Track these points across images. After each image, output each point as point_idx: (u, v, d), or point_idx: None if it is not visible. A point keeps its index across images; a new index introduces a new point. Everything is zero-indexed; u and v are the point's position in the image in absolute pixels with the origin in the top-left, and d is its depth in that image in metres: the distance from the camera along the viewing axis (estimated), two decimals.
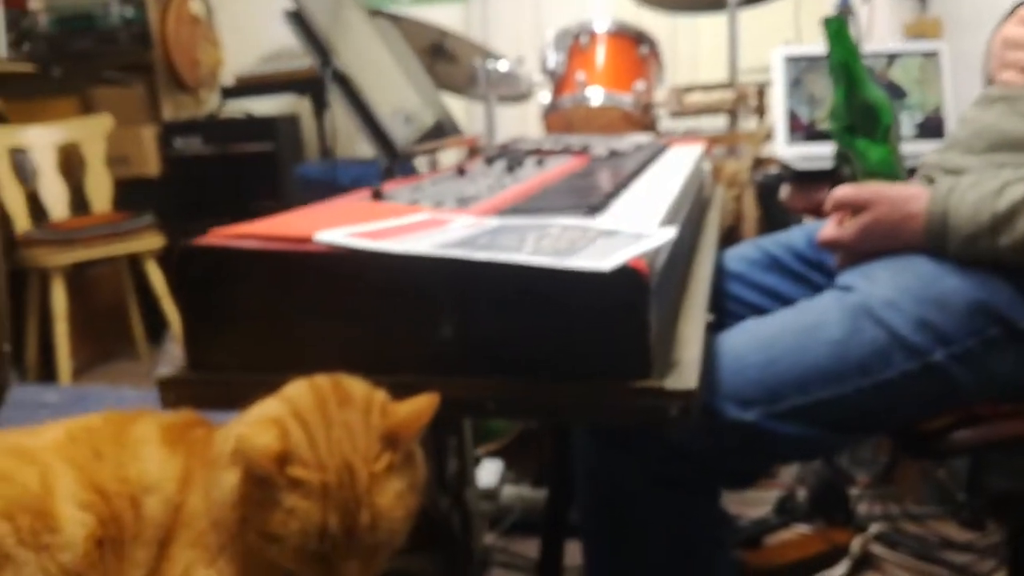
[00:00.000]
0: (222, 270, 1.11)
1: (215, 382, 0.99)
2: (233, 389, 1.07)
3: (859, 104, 1.47)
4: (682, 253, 1.44)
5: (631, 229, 1.14)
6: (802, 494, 2.52)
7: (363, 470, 0.92)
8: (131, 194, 4.09)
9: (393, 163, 1.68)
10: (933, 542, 2.33)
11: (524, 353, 1.08)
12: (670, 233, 1.10)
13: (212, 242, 1.17)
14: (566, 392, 1.04)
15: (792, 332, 1.34)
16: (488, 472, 2.79)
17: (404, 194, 1.51)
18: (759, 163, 2.58)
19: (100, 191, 4.05)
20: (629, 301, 1.02)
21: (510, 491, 2.75)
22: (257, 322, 1.14)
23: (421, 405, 0.95)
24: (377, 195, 1.43)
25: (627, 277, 1.01)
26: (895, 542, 2.34)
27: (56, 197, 3.97)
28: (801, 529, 2.41)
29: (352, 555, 0.93)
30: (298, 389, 0.98)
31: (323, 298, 1.08)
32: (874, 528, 2.34)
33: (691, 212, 1.65)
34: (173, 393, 1.14)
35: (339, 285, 1.08)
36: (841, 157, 1.50)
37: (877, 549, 2.34)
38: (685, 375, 1.07)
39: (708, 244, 1.69)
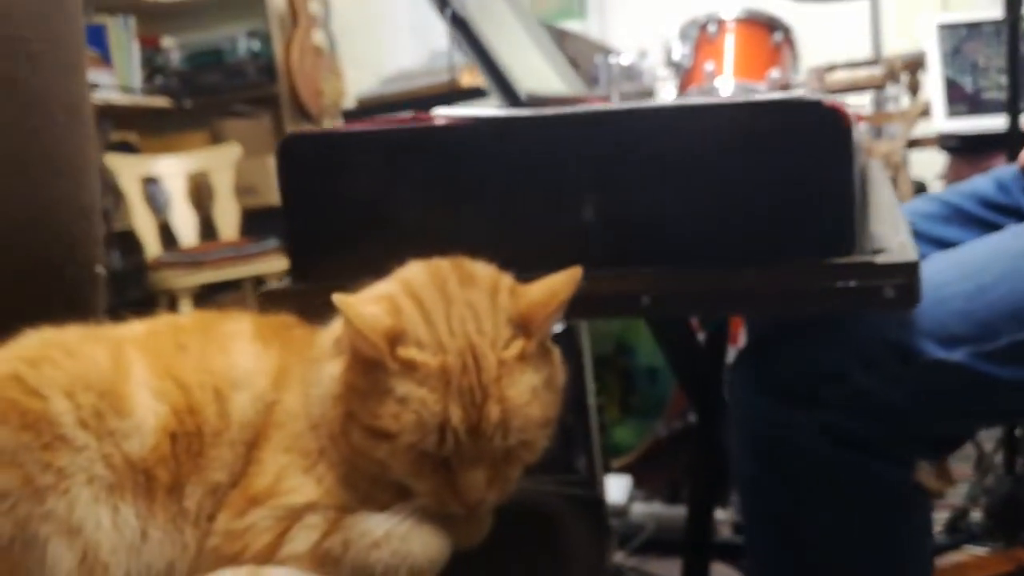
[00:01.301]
0: (330, 157, 0.94)
1: (321, 292, 0.81)
2: None
3: None
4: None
5: None
6: (975, 515, 2.20)
7: (490, 355, 0.73)
8: (258, 223, 4.08)
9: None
10: None
11: (686, 232, 0.87)
12: None
13: (319, 130, 1.00)
14: (749, 277, 0.82)
15: (1007, 256, 1.08)
16: (616, 488, 2.59)
17: None
18: (914, 143, 2.31)
19: (228, 219, 4.05)
20: (827, 148, 0.80)
21: (641, 508, 2.53)
22: (367, 217, 0.97)
23: (557, 283, 0.76)
24: None
25: (824, 117, 0.79)
26: None
27: (186, 225, 3.99)
28: (976, 550, 2.09)
29: (477, 461, 0.73)
30: (412, 268, 0.80)
31: (443, 182, 0.91)
32: None
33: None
34: (275, 309, 0.98)
35: (462, 164, 0.90)
36: None
37: None
38: (898, 253, 0.83)
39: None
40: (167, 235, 3.95)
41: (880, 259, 0.76)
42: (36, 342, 0.78)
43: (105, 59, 4.00)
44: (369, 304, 0.76)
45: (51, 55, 0.98)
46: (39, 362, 0.75)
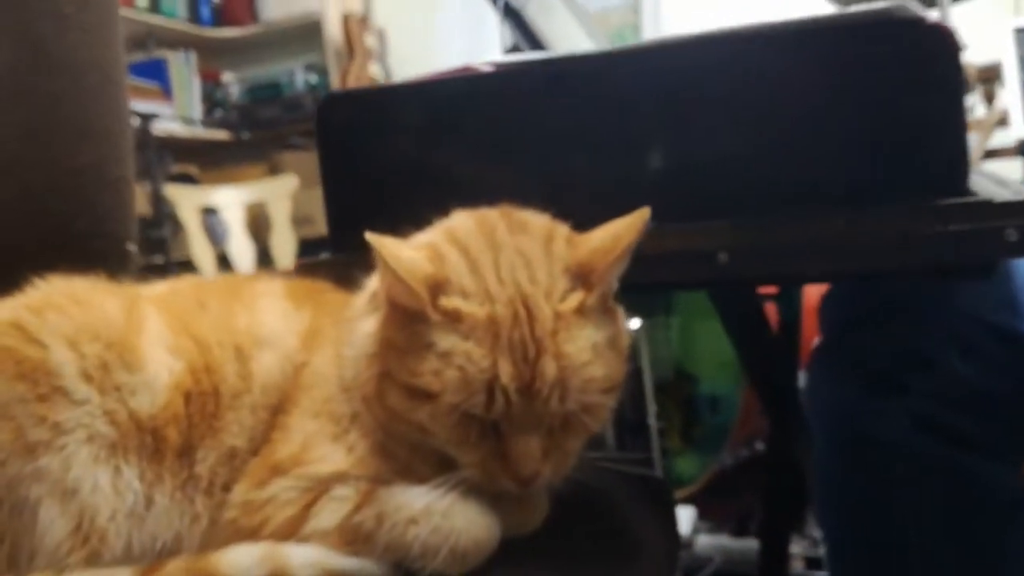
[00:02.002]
0: (372, 115, 0.86)
1: (361, 263, 0.72)
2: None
3: None
4: None
5: None
6: None
7: (544, 306, 0.64)
8: (313, 252, 4.03)
9: None
10: None
11: (767, 177, 0.77)
12: None
13: (360, 88, 0.92)
14: (843, 225, 0.71)
15: None
16: (680, 520, 2.45)
17: None
18: (991, 153, 2.18)
19: (284, 249, 4.04)
20: (933, 72, 0.69)
21: (706, 541, 2.39)
22: (412, 179, 0.88)
23: (620, 228, 0.67)
24: None
25: (927, 35, 0.69)
26: None
27: (243, 255, 3.98)
28: None
29: (531, 427, 0.63)
30: (456, 217, 0.71)
31: (495, 135, 0.82)
32: None
33: None
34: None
35: (515, 113, 0.81)
36: None
37: None
38: (1018, 192, 0.71)
39: None
40: (225, 265, 3.95)
41: (1000, 197, 0.65)
42: (45, 290, 0.70)
43: (166, 92, 4.04)
44: (409, 249, 0.67)
45: (81, 17, 0.92)
46: (43, 309, 0.67)
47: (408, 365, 0.64)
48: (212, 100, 4.29)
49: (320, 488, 0.66)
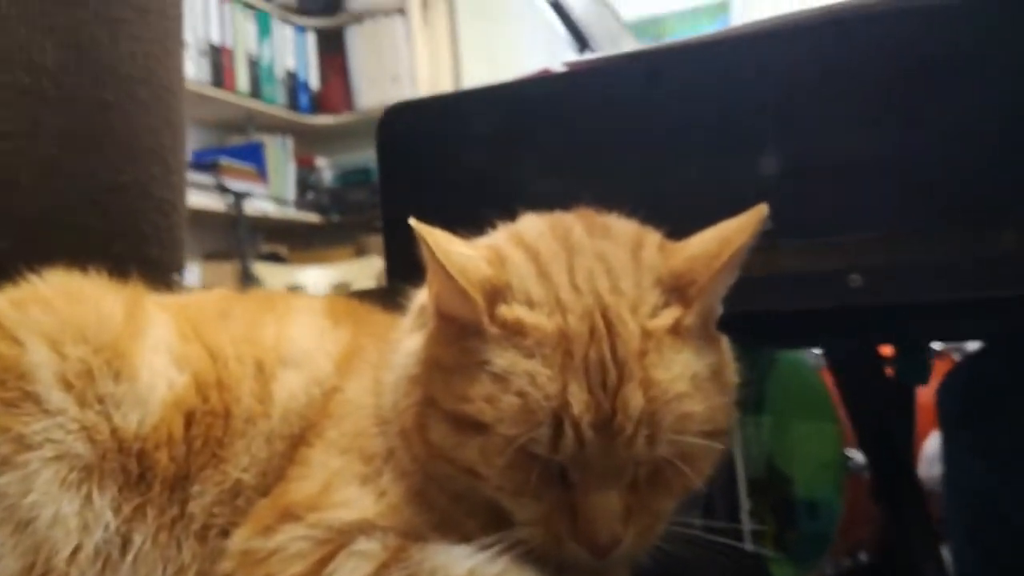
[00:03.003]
0: (439, 124, 0.76)
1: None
2: None
3: None
4: None
5: None
6: None
7: (631, 322, 0.50)
8: None
9: None
10: None
11: (911, 183, 0.63)
12: None
13: (425, 96, 0.83)
14: (1011, 240, 0.57)
15: None
16: None
17: None
18: None
19: None
20: None
21: None
22: (481, 194, 0.76)
23: (729, 230, 0.53)
24: None
25: None
26: None
27: None
28: None
29: (610, 477, 0.49)
30: (525, 219, 0.59)
31: (576, 140, 0.70)
32: None
33: None
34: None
35: (601, 115, 0.69)
36: None
37: None
38: None
39: None
40: None
41: None
42: (37, 283, 0.60)
43: (262, 174, 4.09)
44: (464, 246, 0.54)
45: (138, 26, 0.85)
46: (27, 303, 0.56)
47: (456, 389, 0.51)
48: (305, 183, 4.33)
49: (339, 540, 0.51)
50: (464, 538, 0.51)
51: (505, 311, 0.51)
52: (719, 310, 0.57)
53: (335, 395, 0.58)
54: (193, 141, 3.86)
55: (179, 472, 0.54)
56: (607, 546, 0.50)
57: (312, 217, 4.31)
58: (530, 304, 0.52)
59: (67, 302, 0.57)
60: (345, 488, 0.53)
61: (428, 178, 0.78)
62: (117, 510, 0.52)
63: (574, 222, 0.58)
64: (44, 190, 0.80)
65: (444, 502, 0.53)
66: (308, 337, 0.61)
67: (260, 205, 3.99)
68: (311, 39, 4.35)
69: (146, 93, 0.87)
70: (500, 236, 0.58)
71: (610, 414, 0.49)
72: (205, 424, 0.56)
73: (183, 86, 0.94)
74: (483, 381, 0.50)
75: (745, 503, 1.96)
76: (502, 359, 0.50)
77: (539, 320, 0.51)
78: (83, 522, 0.50)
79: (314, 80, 4.37)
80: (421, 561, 0.50)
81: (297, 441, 0.57)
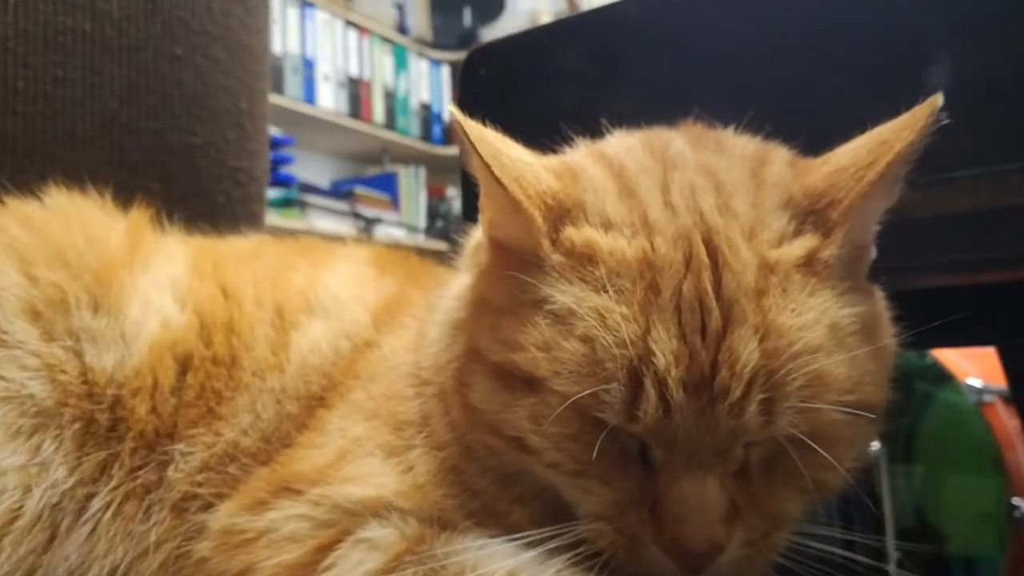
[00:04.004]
0: (525, 62, 0.64)
1: None
2: None
3: None
4: None
5: None
6: None
7: (744, 249, 0.36)
8: None
9: None
10: None
11: None
12: None
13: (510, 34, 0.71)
14: None
15: None
16: None
17: None
18: None
19: None
20: None
21: None
22: (568, 130, 0.64)
23: (883, 135, 0.38)
24: None
25: None
26: None
27: None
28: None
29: (706, 457, 0.35)
30: (614, 136, 0.46)
31: (674, 61, 0.57)
32: None
33: None
34: None
35: (716, 39, 0.56)
36: None
37: None
38: None
39: None
40: None
41: None
42: (31, 202, 0.51)
43: (394, 203, 4.12)
44: (526, 153, 0.42)
45: None
46: (9, 221, 0.47)
47: (505, 334, 0.38)
48: (435, 212, 4.33)
49: (346, 523, 0.39)
50: (509, 532, 0.38)
51: (572, 234, 0.39)
52: (872, 250, 0.42)
53: (368, 351, 0.47)
54: (331, 171, 3.92)
55: (161, 428, 0.44)
56: (701, 555, 0.36)
57: (440, 245, 4.31)
58: (607, 226, 0.39)
59: (57, 223, 0.48)
60: (364, 460, 0.41)
61: (517, 126, 0.66)
62: (74, 468, 0.41)
63: (676, 136, 0.45)
64: (102, 144, 0.73)
65: (486, 484, 0.40)
66: (344, 285, 0.50)
67: (391, 232, 4.01)
68: (445, 72, 4.37)
69: (223, 52, 0.80)
70: (579, 152, 0.45)
71: (710, 370, 0.35)
72: (204, 372, 0.45)
73: (267, 50, 0.86)
74: (539, 324, 0.37)
75: (893, 552, 1.73)
76: (565, 295, 0.37)
77: (616, 244, 0.38)
78: (26, 480, 0.40)
79: (447, 112, 4.41)
80: (447, 556, 0.37)
81: (315, 403, 0.45)
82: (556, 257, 0.38)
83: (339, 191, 3.73)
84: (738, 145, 0.44)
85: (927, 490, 2.14)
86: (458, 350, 0.41)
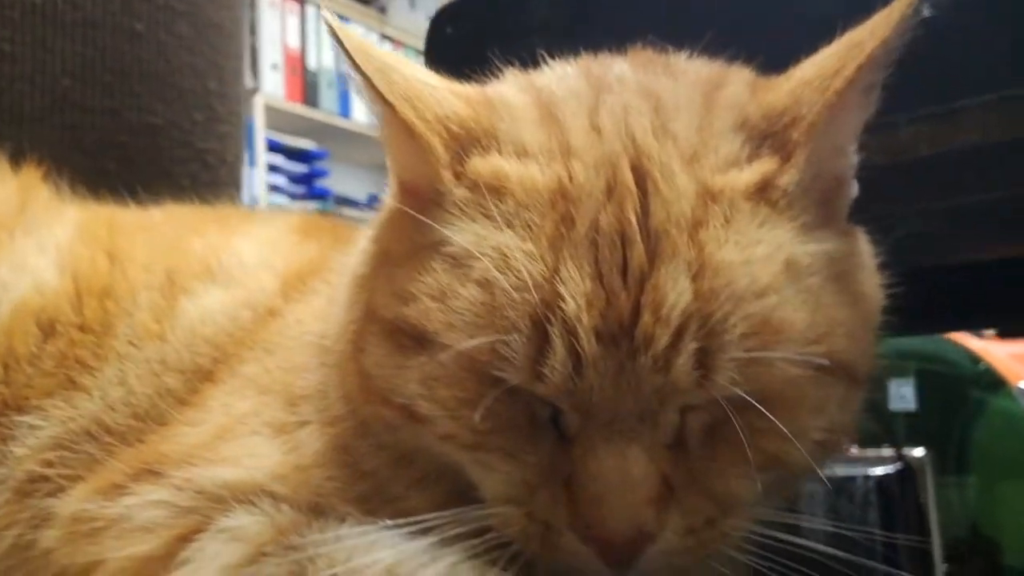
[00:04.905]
0: (489, 22, 0.59)
1: None
2: None
3: None
4: None
5: None
6: None
7: (680, 173, 0.29)
8: None
9: None
10: None
11: None
12: None
13: None
14: None
15: None
16: None
17: None
18: None
19: None
20: None
21: None
22: None
23: (859, 36, 0.31)
24: None
25: None
26: None
27: None
28: None
29: (628, 424, 0.28)
30: (554, 64, 0.40)
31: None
32: None
33: None
34: None
35: None
36: None
37: None
38: None
39: None
40: None
41: None
42: None
43: None
44: (433, 77, 0.36)
45: None
46: None
47: (397, 285, 0.32)
48: None
49: (209, 510, 0.33)
50: (405, 519, 0.32)
51: (479, 164, 0.32)
52: (852, 184, 0.35)
53: (271, 321, 0.41)
54: (368, 183, 3.87)
55: (9, 399, 0.38)
56: (625, 544, 0.28)
57: None
58: (522, 155, 0.33)
59: None
60: (246, 439, 0.35)
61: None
62: None
63: (620, 61, 0.38)
64: (52, 123, 0.68)
65: (379, 465, 0.33)
66: (257, 251, 0.44)
67: None
68: None
69: (188, 28, 0.75)
70: (505, 82, 0.39)
71: (631, 315, 0.28)
72: (67, 339, 0.40)
73: (240, 29, 0.81)
74: (434, 270, 0.31)
75: (940, 565, 1.63)
76: (464, 234, 0.31)
77: (528, 172, 0.31)
78: None
79: None
80: (319, 546, 0.31)
81: (202, 378, 0.39)
82: (459, 192, 0.32)
83: (376, 203, 3.71)
84: (691, 68, 0.37)
85: (981, 501, 2.02)
86: (357, 311, 0.35)
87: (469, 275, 0.30)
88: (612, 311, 0.28)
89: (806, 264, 0.31)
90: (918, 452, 1.69)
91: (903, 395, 1.92)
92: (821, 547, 0.37)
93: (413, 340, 0.31)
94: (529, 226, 0.30)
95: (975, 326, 1.49)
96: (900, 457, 1.44)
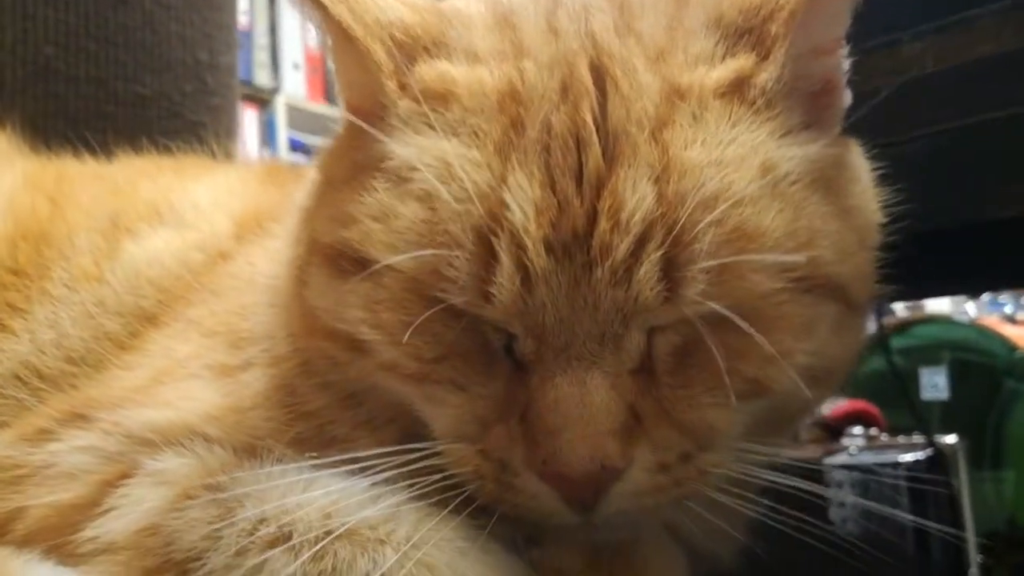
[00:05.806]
0: None
1: None
2: None
3: None
4: None
5: None
6: None
7: (644, 71, 0.25)
8: None
9: None
10: None
11: None
12: None
13: None
14: None
15: None
16: None
17: None
18: None
19: None
20: None
21: None
22: None
23: None
24: None
25: None
26: None
27: None
28: None
29: (586, 347, 0.24)
30: None
31: None
32: None
33: None
34: None
35: None
36: None
37: None
38: None
39: None
40: None
41: None
42: None
43: None
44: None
45: None
46: None
47: (337, 208, 0.29)
48: None
49: (138, 454, 0.30)
50: (348, 454, 0.29)
51: (424, 71, 0.29)
52: (844, 91, 0.32)
53: (222, 264, 0.38)
54: None
55: None
56: (587, 480, 0.25)
57: None
58: (472, 60, 0.30)
59: None
60: (185, 382, 0.32)
61: None
62: None
63: None
64: (35, 93, 0.66)
65: (322, 404, 0.31)
66: (212, 194, 0.42)
67: None
68: None
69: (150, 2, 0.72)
70: None
71: (587, 223, 0.25)
72: None
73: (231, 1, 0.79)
74: (375, 189, 0.28)
75: (975, 555, 1.57)
76: (407, 147, 0.28)
77: (476, 75, 0.28)
78: None
79: None
80: (248, 485, 0.28)
81: (144, 322, 0.37)
82: (403, 104, 0.29)
83: None
84: None
85: (1018, 494, 1.95)
86: (302, 247, 0.32)
87: (410, 190, 0.27)
88: (565, 219, 0.25)
89: (786, 169, 0.27)
90: (950, 439, 1.63)
91: (935, 384, 1.86)
92: (820, 488, 0.34)
93: (355, 264, 0.28)
94: (475, 133, 0.27)
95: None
96: (931, 443, 1.39)
